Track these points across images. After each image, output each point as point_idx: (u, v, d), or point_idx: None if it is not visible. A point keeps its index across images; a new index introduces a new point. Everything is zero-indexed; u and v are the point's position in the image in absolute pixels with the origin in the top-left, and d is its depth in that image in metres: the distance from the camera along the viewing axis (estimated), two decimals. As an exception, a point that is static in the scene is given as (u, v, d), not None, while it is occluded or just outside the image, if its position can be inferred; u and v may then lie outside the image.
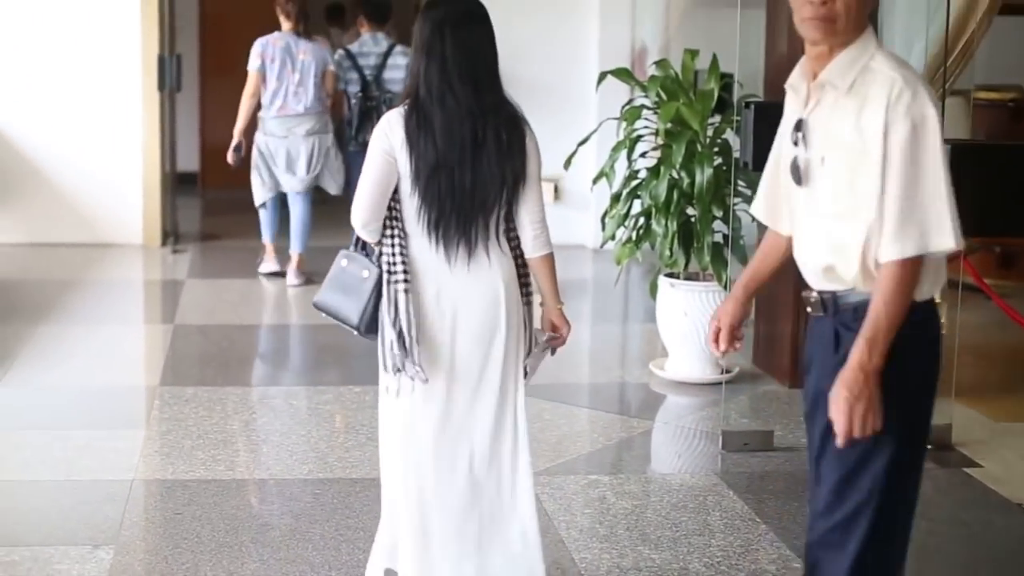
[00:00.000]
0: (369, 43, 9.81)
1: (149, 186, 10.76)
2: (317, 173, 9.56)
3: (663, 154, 7.31)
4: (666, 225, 7.13)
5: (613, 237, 7.48)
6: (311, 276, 9.54)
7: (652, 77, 7.38)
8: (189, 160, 13.43)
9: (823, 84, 3.42)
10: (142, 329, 8.80)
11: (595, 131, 7.74)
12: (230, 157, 9.61)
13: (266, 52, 9.44)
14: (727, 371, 7.40)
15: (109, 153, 10.73)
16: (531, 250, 4.18)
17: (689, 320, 7.30)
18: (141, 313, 9.39)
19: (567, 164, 7.73)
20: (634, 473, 6.05)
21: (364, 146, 9.48)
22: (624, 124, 7.42)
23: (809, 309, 3.55)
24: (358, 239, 4.13)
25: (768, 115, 6.22)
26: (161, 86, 10.67)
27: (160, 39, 10.67)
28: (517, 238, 4.15)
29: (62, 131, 10.71)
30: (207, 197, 13.56)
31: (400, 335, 3.97)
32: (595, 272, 10.59)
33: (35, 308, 8.76)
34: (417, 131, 3.98)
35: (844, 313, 3.47)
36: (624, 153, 7.41)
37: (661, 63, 7.46)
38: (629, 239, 7.40)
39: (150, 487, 5.65)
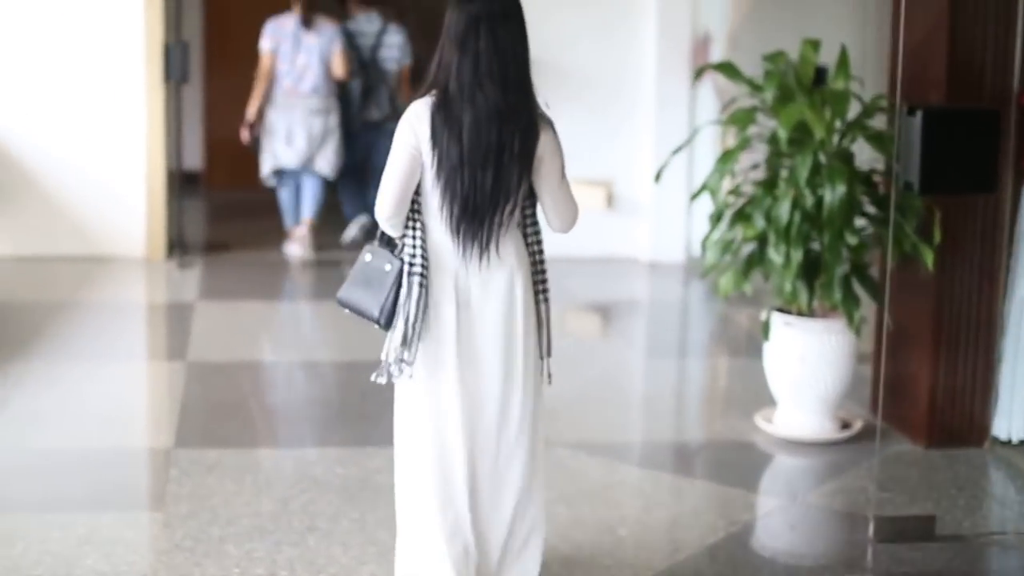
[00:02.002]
0: (363, 22, 9.96)
1: (153, 190, 9.52)
2: (315, 152, 9.68)
3: (772, 166, 6.12)
4: (788, 254, 5.92)
5: (715, 266, 6.28)
6: (321, 245, 9.77)
7: (768, 73, 6.15)
8: (192, 158, 12.20)
9: None
10: (149, 367, 7.46)
11: (691, 139, 6.49)
12: (244, 135, 9.77)
13: (276, 33, 9.67)
14: (847, 426, 6.23)
15: (108, 154, 9.48)
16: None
17: (807, 366, 6.11)
18: (146, 346, 8.02)
19: (657, 178, 6.55)
20: (776, 576, 4.85)
21: (366, 125, 9.75)
22: (735, 130, 6.20)
23: None
24: (382, 233, 4.16)
25: (944, 124, 5.06)
26: (167, 77, 9.46)
27: (165, 25, 9.48)
28: (536, 235, 4.19)
29: (55, 129, 9.44)
30: (212, 199, 12.21)
31: (405, 326, 4.02)
32: (653, 291, 9.39)
33: (20, 338, 7.46)
34: (444, 126, 3.99)
35: None
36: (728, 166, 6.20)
37: (774, 57, 6.23)
38: (734, 267, 6.21)
39: (174, 602, 4.40)
